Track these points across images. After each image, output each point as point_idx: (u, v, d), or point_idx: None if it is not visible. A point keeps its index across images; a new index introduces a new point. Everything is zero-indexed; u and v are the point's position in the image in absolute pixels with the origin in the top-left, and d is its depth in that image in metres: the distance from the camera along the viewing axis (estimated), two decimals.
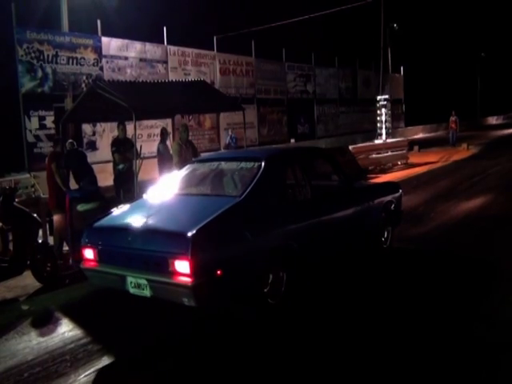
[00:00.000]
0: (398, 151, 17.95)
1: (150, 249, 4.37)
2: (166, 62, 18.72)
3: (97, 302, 5.51)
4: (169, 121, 11.40)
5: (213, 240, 4.24)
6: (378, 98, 23.33)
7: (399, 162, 17.65)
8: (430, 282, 5.53)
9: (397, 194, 6.89)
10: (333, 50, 31.59)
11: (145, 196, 5.50)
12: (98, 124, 15.01)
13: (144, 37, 18.50)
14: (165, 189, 5.51)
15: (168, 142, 9.12)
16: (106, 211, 5.26)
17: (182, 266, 4.07)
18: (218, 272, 4.13)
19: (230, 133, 20.12)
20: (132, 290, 4.52)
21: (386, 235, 6.59)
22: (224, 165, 5.60)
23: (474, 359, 3.72)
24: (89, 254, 4.84)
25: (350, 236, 5.96)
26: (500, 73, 66.45)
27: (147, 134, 16.16)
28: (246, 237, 4.48)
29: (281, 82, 25.80)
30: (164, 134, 9.24)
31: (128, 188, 7.46)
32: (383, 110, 22.42)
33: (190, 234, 4.08)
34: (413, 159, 18.28)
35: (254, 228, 4.58)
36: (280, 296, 4.80)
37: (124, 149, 8.08)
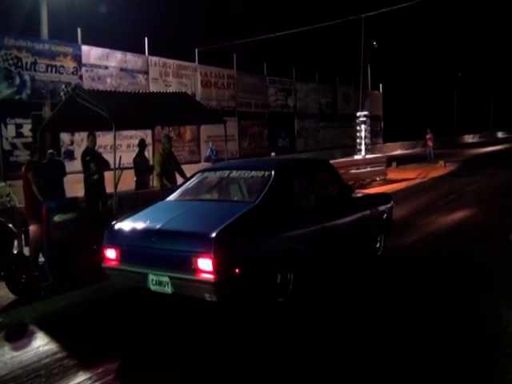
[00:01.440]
0: (376, 167, 18.14)
1: (173, 248, 4.68)
2: (146, 73, 18.62)
3: (73, 314, 5.37)
4: (149, 132, 11.30)
5: (232, 241, 4.62)
6: (358, 114, 23.64)
7: (378, 178, 17.81)
8: (423, 284, 5.95)
9: (389, 205, 7.38)
10: (314, 66, 32.00)
11: (160, 201, 5.79)
12: (77, 133, 14.78)
13: (125, 46, 18.40)
14: (179, 195, 5.87)
15: (146, 154, 9.02)
16: (82, 222, 5.17)
17: (206, 264, 4.41)
18: (237, 270, 4.51)
19: (210, 145, 20.04)
20: (153, 288, 4.79)
21: (379, 243, 7.05)
22: (235, 173, 5.95)
23: (469, 346, 4.26)
24: (111, 253, 5.09)
25: (348, 242, 6.37)
26: (476, 92, 68.19)
27: (126, 145, 15.97)
28: (261, 239, 4.89)
29: (262, 95, 25.94)
30: (142, 145, 9.13)
31: (105, 199, 7.32)
32: (363, 126, 22.70)
33: (213, 235, 4.46)
34: (391, 175, 18.48)
35: (267, 231, 5.01)
36: (288, 295, 5.16)
37: (98, 160, 7.99)
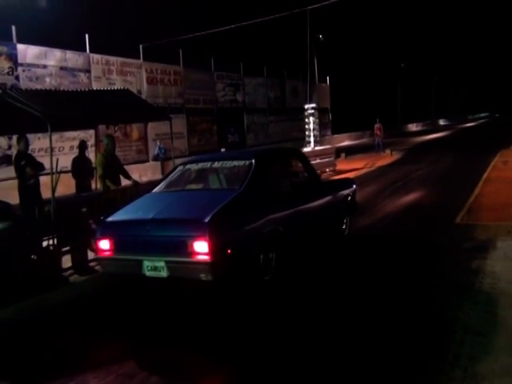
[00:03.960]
0: (326, 158, 18.35)
1: (169, 234, 5.05)
2: (88, 71, 17.99)
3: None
4: (93, 132, 10.89)
5: (224, 224, 5.01)
6: (306, 106, 23.78)
7: (327, 169, 18.02)
8: (391, 257, 6.71)
9: (352, 188, 8.01)
10: (261, 60, 32.00)
11: (147, 193, 6.12)
12: (14, 137, 14.07)
13: (65, 44, 17.69)
14: (164, 186, 6.25)
15: (89, 155, 8.66)
16: (18, 231, 4.88)
17: (201, 246, 4.78)
18: (229, 251, 4.91)
19: (158, 143, 19.67)
20: (148, 273, 5.12)
21: (345, 224, 7.66)
22: (217, 164, 6.40)
23: (436, 298, 5.08)
24: (104, 244, 5.36)
25: (320, 223, 6.95)
26: (418, 82, 70.44)
27: (69, 146, 15.38)
28: (247, 222, 5.31)
29: (210, 91, 25.69)
30: (81, 146, 8.77)
31: (41, 205, 6.97)
32: (311, 119, 22.84)
33: (207, 220, 4.84)
34: (340, 166, 18.77)
35: (253, 214, 5.45)
36: (272, 272, 5.61)
37: (32, 163, 7.61)
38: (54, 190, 6.36)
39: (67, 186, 8.85)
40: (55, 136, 14.08)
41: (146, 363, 4.14)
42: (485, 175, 13.49)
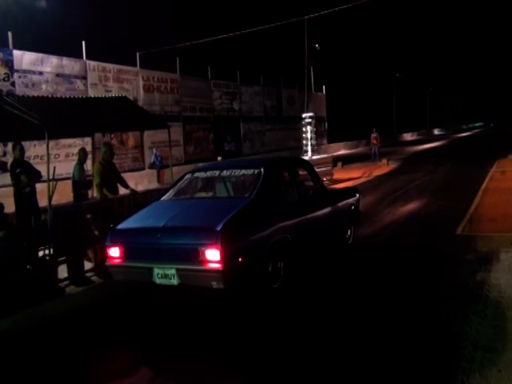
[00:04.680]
0: (323, 168, 18.23)
1: (180, 242, 5.08)
2: (85, 78, 17.88)
3: None
4: (89, 140, 10.77)
5: (236, 232, 5.04)
6: (303, 115, 23.79)
7: (325, 179, 17.87)
8: (394, 268, 6.70)
9: (356, 197, 8.10)
10: (258, 69, 32.04)
11: (155, 201, 6.17)
12: (10, 144, 13.92)
13: (61, 51, 17.59)
14: (173, 195, 6.27)
15: (86, 165, 8.49)
16: (14, 241, 4.75)
17: (213, 254, 4.82)
18: (240, 259, 4.95)
19: (154, 151, 19.55)
20: (159, 281, 5.15)
21: (349, 233, 7.70)
22: (226, 172, 6.47)
23: (443, 311, 4.97)
24: (114, 252, 5.39)
25: (325, 231, 7.01)
26: (413, 92, 70.85)
27: (65, 154, 15.25)
28: (258, 230, 5.35)
29: (206, 99, 25.64)
30: (80, 154, 8.57)
31: (38, 214, 6.82)
32: (308, 128, 22.86)
33: (219, 228, 4.87)
34: (337, 175, 18.69)
35: (263, 223, 5.49)
36: (280, 280, 5.64)
37: (28, 171, 7.45)
38: (50, 199, 6.22)
39: (65, 195, 8.71)
40: (51, 143, 13.96)
41: (147, 375, 4.02)
42: (483, 185, 13.44)
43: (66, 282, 6.57)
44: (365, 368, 3.91)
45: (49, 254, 6.35)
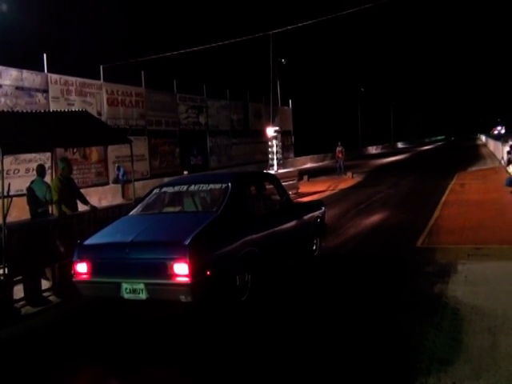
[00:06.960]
0: (289, 181, 18.36)
1: (149, 257, 5.08)
2: (46, 91, 17.54)
3: None
4: (49, 155, 10.51)
5: (204, 246, 5.08)
6: (269, 129, 23.99)
7: (290, 192, 18.01)
8: (356, 279, 6.82)
9: (322, 210, 8.25)
10: (224, 83, 32.21)
11: (124, 216, 6.15)
12: None
13: (21, 63, 17.23)
14: (141, 209, 6.28)
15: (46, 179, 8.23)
16: None
17: (181, 268, 4.84)
18: (208, 272, 4.98)
19: (117, 166, 19.28)
20: (127, 296, 5.12)
21: (315, 245, 7.84)
22: (194, 187, 6.45)
23: (402, 324, 5.09)
24: (81, 268, 5.36)
25: (292, 244, 7.09)
26: (377, 106, 72.57)
27: (25, 169, 14.87)
28: (226, 244, 5.40)
29: (172, 113, 25.55)
30: (39, 170, 8.27)
31: None
32: (274, 142, 23.08)
33: (187, 242, 4.90)
34: (303, 189, 18.83)
35: (230, 236, 5.54)
36: (247, 293, 5.68)
37: None
38: (5, 217, 6.02)
39: (24, 212, 8.43)
40: (10, 158, 13.56)
41: None
42: (443, 198, 13.80)
43: (22, 303, 6.36)
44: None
45: (3, 274, 6.12)
